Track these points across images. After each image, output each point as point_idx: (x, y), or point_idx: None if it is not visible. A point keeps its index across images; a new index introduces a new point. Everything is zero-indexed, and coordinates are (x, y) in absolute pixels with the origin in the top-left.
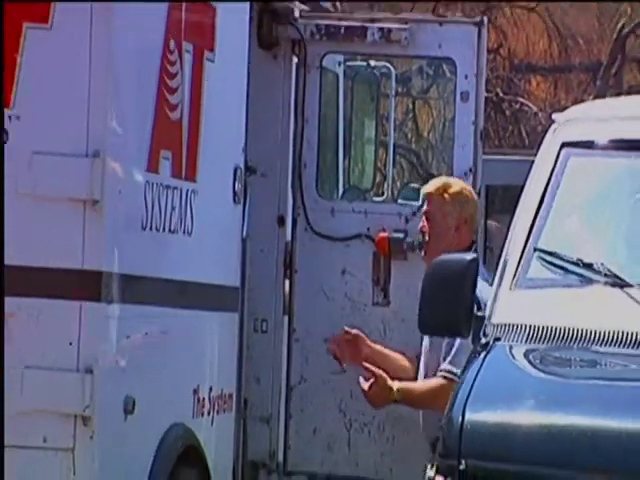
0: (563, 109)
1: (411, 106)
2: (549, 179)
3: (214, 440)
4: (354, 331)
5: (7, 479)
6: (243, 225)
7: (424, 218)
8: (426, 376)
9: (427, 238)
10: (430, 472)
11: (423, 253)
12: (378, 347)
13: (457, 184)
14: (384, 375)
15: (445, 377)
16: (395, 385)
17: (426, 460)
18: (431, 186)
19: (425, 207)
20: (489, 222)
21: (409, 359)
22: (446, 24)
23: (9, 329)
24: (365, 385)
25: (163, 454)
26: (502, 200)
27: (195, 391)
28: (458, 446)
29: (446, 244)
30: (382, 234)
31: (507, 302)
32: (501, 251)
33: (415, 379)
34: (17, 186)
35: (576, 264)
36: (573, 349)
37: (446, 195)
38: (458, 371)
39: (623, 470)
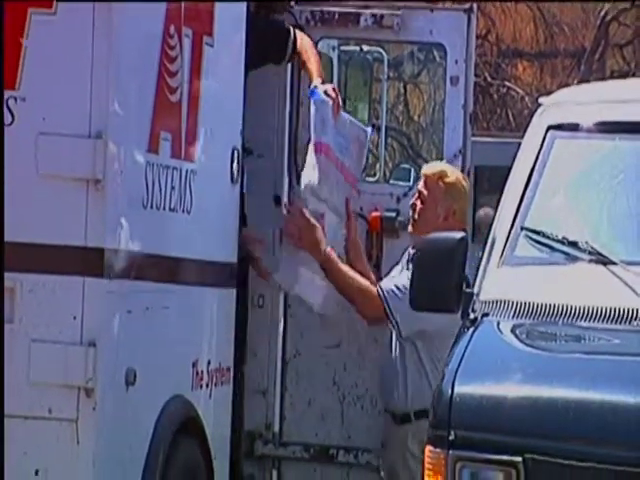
0: (549, 93)
1: (402, 90)
2: (535, 160)
3: (212, 411)
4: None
5: (14, 449)
6: (242, 204)
7: (417, 196)
8: None
9: (416, 217)
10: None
11: (410, 228)
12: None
13: (454, 174)
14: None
15: (381, 292)
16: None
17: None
18: (429, 169)
19: (420, 187)
20: (482, 210)
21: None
22: (437, 11)
23: (15, 304)
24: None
25: (163, 425)
26: (490, 180)
27: (194, 364)
28: (448, 417)
29: (433, 229)
30: (375, 213)
31: (495, 279)
32: (489, 230)
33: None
34: (22, 166)
35: (561, 242)
36: (558, 324)
37: (441, 183)
38: (390, 299)
39: (606, 440)
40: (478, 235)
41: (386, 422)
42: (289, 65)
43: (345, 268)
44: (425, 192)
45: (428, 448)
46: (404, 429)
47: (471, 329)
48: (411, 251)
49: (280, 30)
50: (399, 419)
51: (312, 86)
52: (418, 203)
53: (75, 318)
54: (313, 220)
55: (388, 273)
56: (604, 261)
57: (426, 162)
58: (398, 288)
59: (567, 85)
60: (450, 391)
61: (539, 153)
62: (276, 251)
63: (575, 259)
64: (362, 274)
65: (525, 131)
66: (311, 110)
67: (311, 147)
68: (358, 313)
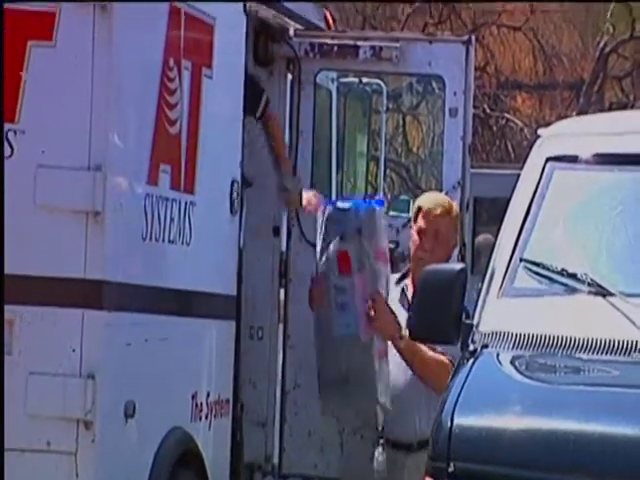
0: (548, 125)
1: (401, 121)
2: (534, 192)
3: (211, 443)
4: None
5: None
6: (240, 235)
7: (420, 234)
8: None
9: (423, 255)
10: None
11: (413, 265)
12: None
13: (451, 204)
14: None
15: (450, 360)
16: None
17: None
18: (435, 205)
19: (424, 225)
20: (482, 236)
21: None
22: (435, 42)
23: (14, 336)
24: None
25: (162, 457)
26: (489, 212)
27: (193, 396)
28: (447, 449)
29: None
30: None
31: (494, 310)
32: (488, 261)
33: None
34: (22, 198)
35: (561, 274)
36: (558, 356)
37: (449, 218)
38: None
39: (606, 473)
40: (477, 264)
41: (390, 455)
42: (288, 99)
43: (421, 351)
44: (438, 229)
45: None
46: (422, 455)
47: (470, 360)
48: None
49: (255, 85)
50: (416, 446)
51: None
52: (428, 242)
53: (74, 350)
54: (390, 306)
55: None
56: (603, 293)
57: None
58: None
59: (566, 117)
60: (449, 423)
61: (538, 185)
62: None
63: (574, 290)
64: None
65: (524, 163)
66: (375, 219)
67: (374, 253)
68: (436, 391)
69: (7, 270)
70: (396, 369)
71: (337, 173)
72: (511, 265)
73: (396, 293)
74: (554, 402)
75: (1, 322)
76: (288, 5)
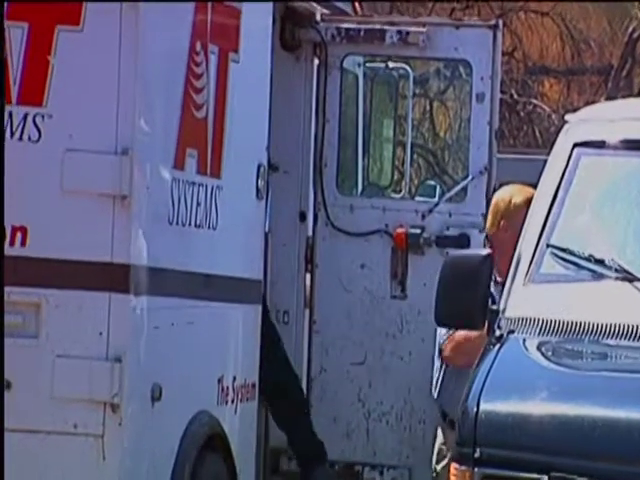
0: (575, 110)
1: (428, 107)
2: (562, 178)
3: (238, 427)
4: None
5: (39, 464)
6: (266, 220)
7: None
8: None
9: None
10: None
11: None
12: None
13: None
14: None
15: None
16: None
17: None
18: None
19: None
20: None
21: None
22: (463, 27)
23: (41, 319)
24: None
25: (189, 441)
26: None
27: (219, 380)
28: (473, 435)
29: None
30: (400, 230)
31: (521, 296)
32: (515, 247)
33: None
34: (49, 182)
35: (588, 260)
36: (584, 342)
37: None
38: None
39: (632, 459)
40: None
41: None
42: (315, 83)
43: None
44: None
45: (453, 466)
46: None
47: (497, 346)
48: None
49: None
50: None
51: None
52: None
53: (101, 334)
54: None
55: None
56: (630, 278)
57: (452, 179)
58: None
59: (594, 102)
60: (475, 408)
61: (565, 170)
62: None
63: (601, 276)
64: None
65: (551, 148)
66: None
67: None
68: None
69: (34, 253)
70: None
71: (364, 158)
72: (538, 251)
73: None
74: (580, 388)
75: (1, 304)
76: None
